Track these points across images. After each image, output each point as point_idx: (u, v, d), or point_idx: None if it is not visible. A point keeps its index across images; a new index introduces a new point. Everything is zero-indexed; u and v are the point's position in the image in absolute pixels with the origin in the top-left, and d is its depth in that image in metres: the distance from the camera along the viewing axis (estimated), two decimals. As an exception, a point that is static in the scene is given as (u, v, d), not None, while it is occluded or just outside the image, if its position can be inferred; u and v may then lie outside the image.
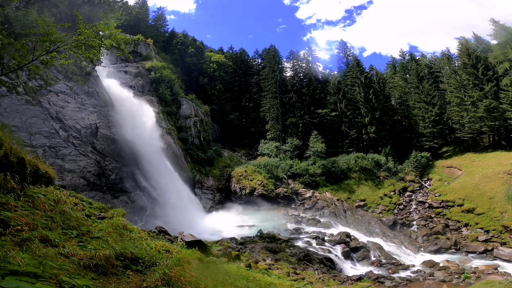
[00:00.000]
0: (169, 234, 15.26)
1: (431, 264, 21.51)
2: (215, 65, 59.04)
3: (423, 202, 32.77)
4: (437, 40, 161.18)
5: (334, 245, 23.12)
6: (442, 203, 30.98)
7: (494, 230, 25.51)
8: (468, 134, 40.48)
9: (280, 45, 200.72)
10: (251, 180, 36.00)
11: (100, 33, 9.70)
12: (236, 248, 18.35)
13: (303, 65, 59.78)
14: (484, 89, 39.31)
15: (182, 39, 60.05)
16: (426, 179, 36.83)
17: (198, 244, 11.64)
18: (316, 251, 21.63)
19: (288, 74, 60.18)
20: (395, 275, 19.29)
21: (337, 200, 34.54)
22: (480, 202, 28.49)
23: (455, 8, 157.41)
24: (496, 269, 20.31)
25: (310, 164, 38.89)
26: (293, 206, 34.42)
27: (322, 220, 30.03)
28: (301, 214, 31.88)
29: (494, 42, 41.61)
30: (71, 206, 6.99)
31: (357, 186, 37.25)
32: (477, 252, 23.67)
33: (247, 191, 34.78)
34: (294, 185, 37.38)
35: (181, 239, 12.36)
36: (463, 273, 19.06)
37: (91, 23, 8.91)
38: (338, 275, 17.83)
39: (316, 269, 17.54)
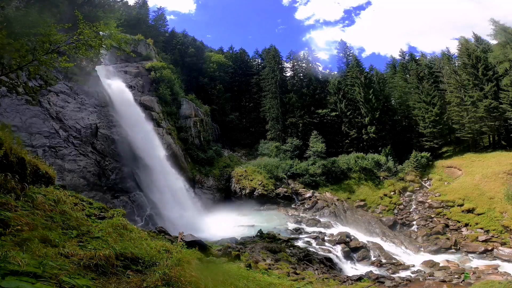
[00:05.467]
0: (169, 234, 15.30)
1: (431, 264, 21.51)
2: (215, 65, 59.05)
3: (423, 202, 32.75)
4: (437, 40, 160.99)
5: (334, 245, 23.12)
6: (442, 203, 30.95)
7: (494, 230, 25.48)
8: (468, 134, 40.45)
9: (279, 46, 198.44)
10: (251, 180, 35.98)
11: (100, 33, 9.69)
12: (236, 248, 18.34)
13: (303, 65, 59.83)
14: (484, 89, 39.29)
15: (182, 39, 60.07)
16: (426, 179, 36.81)
17: (198, 244, 11.66)
18: (316, 251, 21.62)
19: (288, 74, 60.20)
20: (395, 275, 19.29)
21: (337, 200, 34.52)
22: (480, 202, 28.47)
23: (455, 8, 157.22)
24: (496, 269, 20.33)
25: (310, 164, 38.88)
26: (293, 206, 34.40)
27: (322, 220, 30.02)
28: (301, 214, 31.88)
29: (494, 42, 41.51)
30: (71, 206, 7.00)
31: (357, 186, 37.23)
32: (477, 252, 23.66)
33: (247, 191, 34.77)
34: (294, 185, 37.36)
35: (181, 239, 12.38)
36: (463, 273, 19.06)
37: (91, 23, 8.90)
38: (338, 275, 17.82)
39: (316, 269, 17.54)
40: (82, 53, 8.73)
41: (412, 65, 54.36)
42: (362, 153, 41.51)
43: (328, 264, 19.33)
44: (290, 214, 31.85)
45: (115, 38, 9.76)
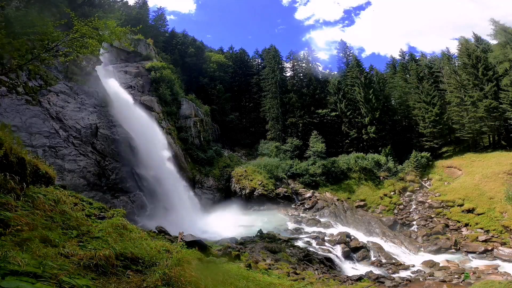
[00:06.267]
0: (169, 234, 15.30)
1: (431, 264, 21.51)
2: (215, 65, 59.09)
3: (423, 202, 32.74)
4: (437, 40, 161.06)
5: (334, 245, 23.11)
6: (442, 203, 30.95)
7: (494, 230, 25.48)
8: (468, 134, 40.45)
9: (279, 46, 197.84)
10: (251, 180, 35.97)
11: (100, 32, 9.64)
12: (236, 248, 18.34)
13: (303, 65, 59.84)
14: (484, 89, 39.29)
15: (182, 39, 60.08)
16: (426, 179, 36.80)
17: (198, 244, 11.66)
18: (316, 251, 21.62)
19: (288, 74, 60.23)
20: (395, 275, 19.28)
21: (337, 200, 34.52)
22: (480, 202, 28.47)
23: (455, 8, 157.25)
24: (496, 269, 20.31)
25: (310, 164, 38.87)
26: (293, 206, 34.40)
27: (322, 220, 30.02)
28: (301, 214, 31.87)
29: (494, 42, 41.52)
30: (71, 206, 6.99)
31: (357, 186, 37.22)
32: (477, 252, 23.65)
33: (247, 191, 34.76)
34: (294, 185, 37.36)
35: (181, 239, 12.38)
36: (463, 273, 19.05)
37: (86, 19, 8.87)
38: (338, 275, 17.83)
39: (316, 269, 17.54)
40: (80, 51, 8.70)
41: (412, 65, 54.33)
42: (362, 153, 41.51)
43: (328, 264, 19.33)
44: (290, 214, 31.85)
45: (114, 31, 9.64)
